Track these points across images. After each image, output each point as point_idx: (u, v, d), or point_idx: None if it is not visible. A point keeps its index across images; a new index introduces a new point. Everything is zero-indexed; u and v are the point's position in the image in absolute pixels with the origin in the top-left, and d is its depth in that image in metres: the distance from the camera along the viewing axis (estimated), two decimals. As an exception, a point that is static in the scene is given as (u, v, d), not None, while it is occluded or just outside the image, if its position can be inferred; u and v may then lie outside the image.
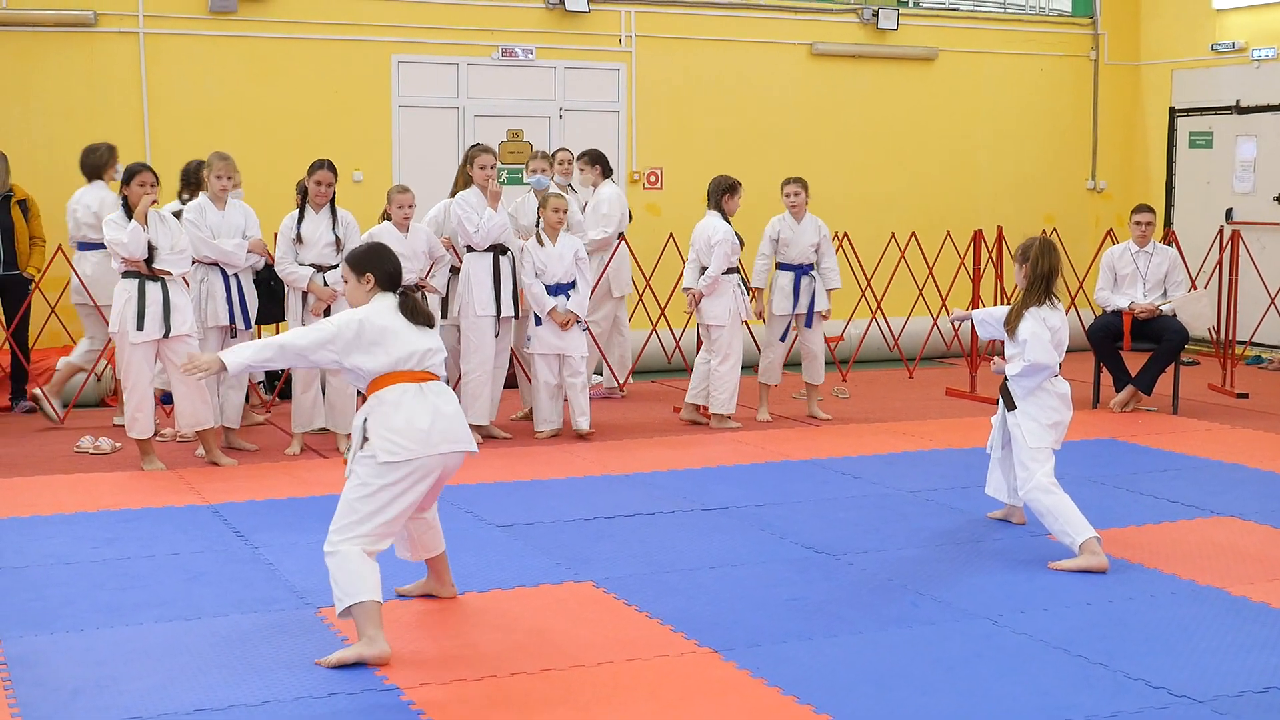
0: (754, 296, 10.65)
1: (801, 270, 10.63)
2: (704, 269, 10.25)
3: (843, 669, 5.32)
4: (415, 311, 5.78)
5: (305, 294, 9.29)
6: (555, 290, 9.77)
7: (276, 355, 5.68)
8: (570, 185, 11.30)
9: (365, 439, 5.59)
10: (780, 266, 10.70)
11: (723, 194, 10.31)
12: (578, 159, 11.41)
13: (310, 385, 9.39)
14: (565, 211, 9.81)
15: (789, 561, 6.80)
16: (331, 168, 9.37)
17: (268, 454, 9.40)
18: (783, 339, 10.72)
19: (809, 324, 10.69)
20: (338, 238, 9.26)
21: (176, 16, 12.24)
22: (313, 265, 9.25)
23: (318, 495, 8.12)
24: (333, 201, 9.38)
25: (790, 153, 14.07)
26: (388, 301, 5.78)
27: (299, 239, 9.29)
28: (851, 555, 6.91)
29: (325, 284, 9.20)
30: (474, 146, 9.93)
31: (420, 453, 5.56)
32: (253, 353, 5.67)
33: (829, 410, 11.07)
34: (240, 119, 12.39)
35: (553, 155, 11.10)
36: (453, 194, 10.14)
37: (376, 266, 5.82)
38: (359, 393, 6.21)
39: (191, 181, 10.10)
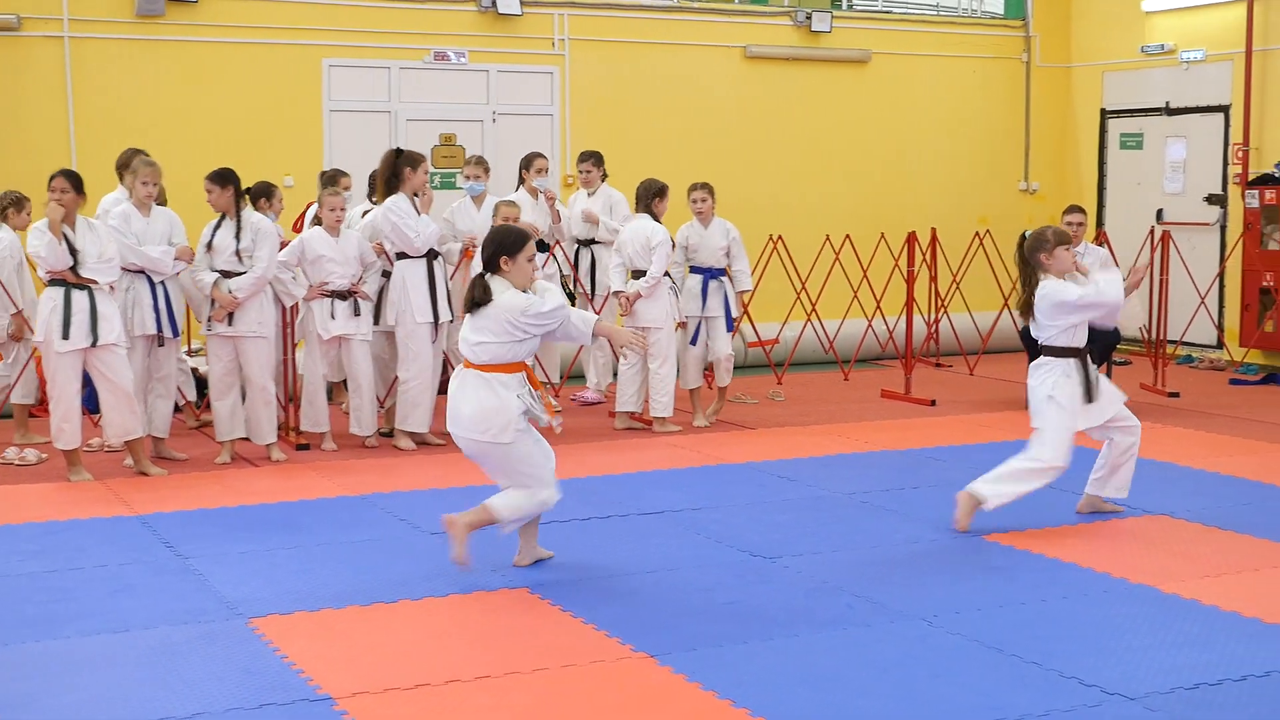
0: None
1: (710, 274, 10.66)
2: (636, 272, 10.26)
3: (779, 672, 5.34)
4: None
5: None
6: None
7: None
8: (589, 192, 11.38)
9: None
10: (692, 270, 10.74)
11: (653, 197, 10.34)
12: (585, 160, 11.41)
13: (227, 393, 9.31)
14: (516, 220, 9.73)
15: (725, 565, 6.82)
16: (211, 177, 9.22)
17: (197, 464, 9.32)
18: (694, 342, 10.75)
19: (729, 328, 10.72)
20: (238, 249, 9.15)
21: (102, 20, 12.13)
22: (220, 272, 9.17)
23: (249, 504, 8.08)
24: (238, 208, 9.24)
25: (724, 155, 14.12)
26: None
27: (210, 246, 9.21)
28: (787, 558, 6.93)
29: (229, 292, 9.12)
30: (407, 153, 9.82)
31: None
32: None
33: (763, 413, 11.10)
34: (168, 124, 12.29)
35: (530, 162, 11.11)
36: (374, 199, 10.01)
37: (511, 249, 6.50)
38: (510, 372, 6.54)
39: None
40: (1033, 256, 7.56)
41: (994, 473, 7.47)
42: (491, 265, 6.50)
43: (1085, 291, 7.37)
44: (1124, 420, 7.62)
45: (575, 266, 11.64)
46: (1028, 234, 7.68)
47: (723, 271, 10.75)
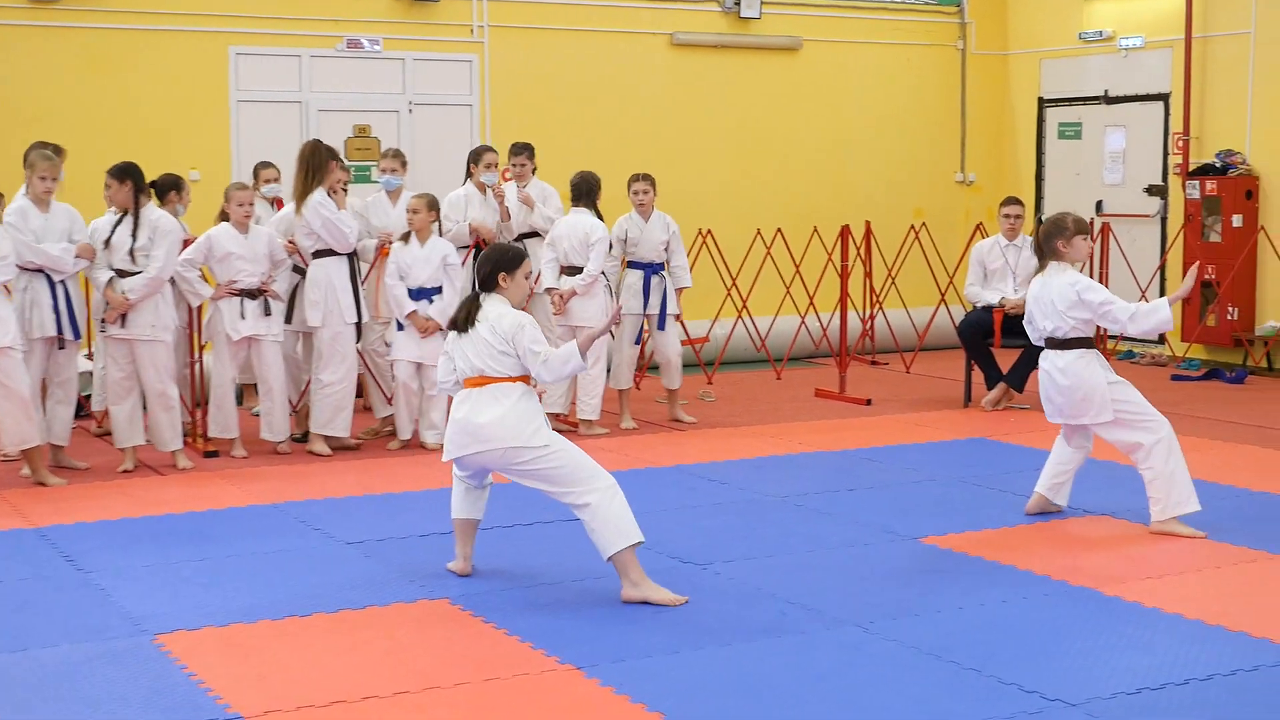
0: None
1: (651, 269, 10.68)
2: (569, 268, 10.24)
3: (710, 682, 5.35)
4: None
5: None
6: (419, 294, 9.68)
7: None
8: (521, 186, 11.25)
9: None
10: (630, 265, 10.74)
11: (597, 191, 10.36)
12: (520, 153, 11.31)
13: (125, 398, 9.20)
14: (418, 211, 9.68)
15: (653, 572, 6.79)
16: (111, 172, 9.14)
17: (99, 473, 9.21)
18: (636, 341, 10.76)
19: (661, 326, 10.74)
20: (132, 247, 9.06)
21: (-5, 6, 11.97)
22: (118, 271, 9.08)
23: (154, 515, 8.00)
24: (137, 205, 9.13)
25: (651, 146, 14.13)
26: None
27: (107, 243, 9.10)
28: (719, 564, 6.95)
29: (122, 292, 9.02)
30: (324, 149, 9.77)
31: (455, 452, 6.62)
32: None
33: (693, 413, 11.12)
34: (67, 115, 12.12)
35: (478, 156, 11.02)
36: (298, 196, 9.91)
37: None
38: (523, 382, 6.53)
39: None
40: (1049, 243, 7.62)
41: (1154, 492, 7.53)
42: (489, 283, 6.52)
43: (1129, 310, 7.49)
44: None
45: None
46: (1044, 218, 7.78)
47: (661, 266, 10.77)
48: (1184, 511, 7.47)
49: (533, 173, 11.40)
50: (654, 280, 10.69)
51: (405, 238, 9.73)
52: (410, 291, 9.65)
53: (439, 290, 9.68)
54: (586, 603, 6.35)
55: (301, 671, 5.49)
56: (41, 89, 12.14)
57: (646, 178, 10.75)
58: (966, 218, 15.68)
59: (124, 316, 9.08)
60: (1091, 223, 13.17)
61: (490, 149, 11.16)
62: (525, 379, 6.48)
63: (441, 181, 13.04)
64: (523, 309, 6.58)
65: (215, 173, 12.47)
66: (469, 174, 11.18)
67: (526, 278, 6.59)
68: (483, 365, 6.41)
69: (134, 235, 9.04)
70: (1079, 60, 15.34)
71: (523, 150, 11.37)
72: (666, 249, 10.76)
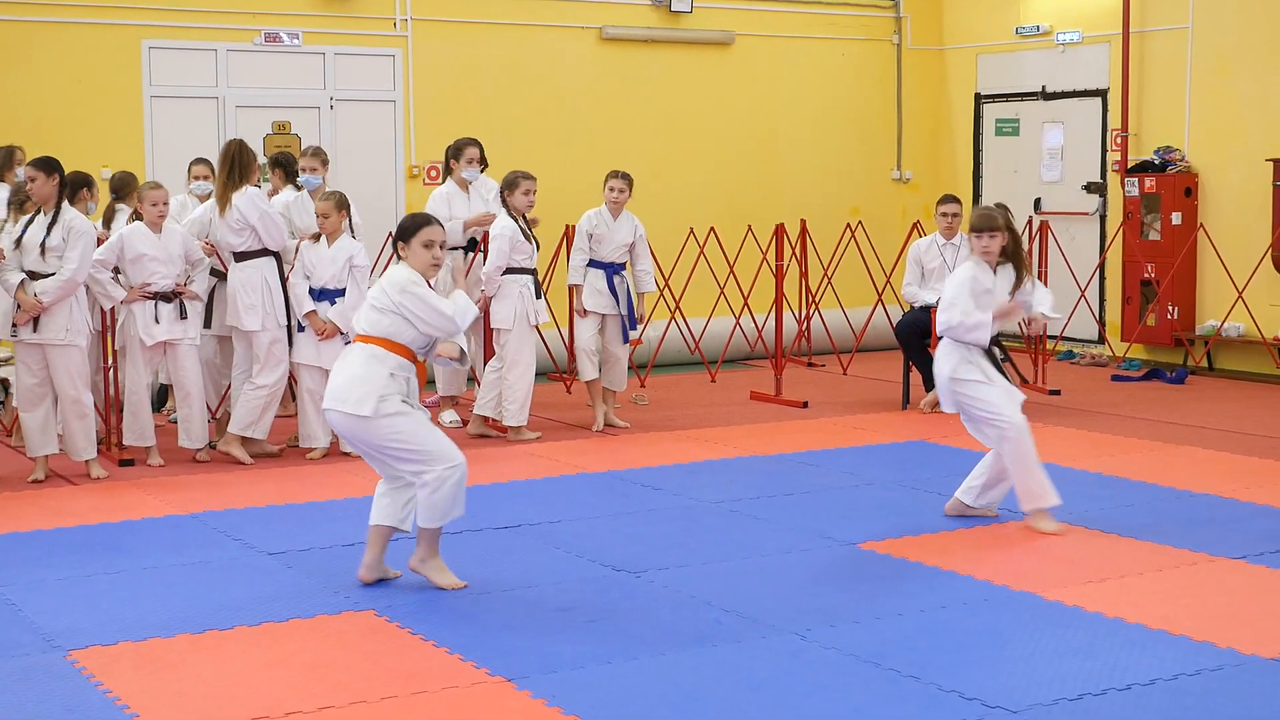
0: (575, 293, 10.83)
1: (612, 269, 10.71)
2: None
3: (645, 693, 5.36)
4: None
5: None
6: (320, 295, 9.64)
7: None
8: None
9: None
10: (592, 264, 10.75)
11: (503, 190, 10.33)
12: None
13: (37, 405, 9.08)
14: (324, 215, 9.58)
15: (586, 581, 6.83)
16: (34, 164, 9.03)
17: (8, 482, 9.11)
18: (625, 340, 10.84)
19: (632, 326, 10.79)
20: (44, 244, 8.96)
21: (-104, -2, 11.83)
22: (28, 272, 8.98)
23: (66, 526, 7.92)
24: (59, 205, 9.04)
25: (581, 143, 14.14)
26: None
27: (18, 243, 9.00)
28: (652, 572, 6.96)
29: (34, 295, 8.92)
30: (249, 148, 9.79)
31: None
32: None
33: (626, 417, 11.14)
34: (-31, 110, 12.01)
35: (459, 151, 11.00)
36: (221, 194, 9.78)
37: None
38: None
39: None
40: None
41: (1016, 488, 7.75)
42: (396, 251, 6.79)
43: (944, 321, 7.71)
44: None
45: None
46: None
47: (622, 267, 10.78)
48: (1041, 505, 7.63)
49: (481, 169, 11.31)
50: (617, 280, 10.73)
51: (316, 237, 9.69)
52: (312, 291, 9.61)
53: (342, 293, 9.64)
54: (517, 613, 6.35)
55: (222, 687, 5.46)
56: (-55, 84, 12.01)
57: (624, 176, 10.80)
58: (903, 216, 15.79)
59: (36, 320, 8.98)
60: (1030, 221, 13.32)
61: (472, 142, 11.07)
62: (383, 341, 6.57)
63: (364, 180, 13.03)
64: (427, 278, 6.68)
65: (128, 170, 12.34)
66: (449, 170, 11.16)
67: (426, 247, 6.63)
68: (357, 322, 6.72)
69: (49, 232, 8.92)
70: (1016, 55, 15.48)
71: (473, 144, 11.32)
72: (631, 250, 10.80)
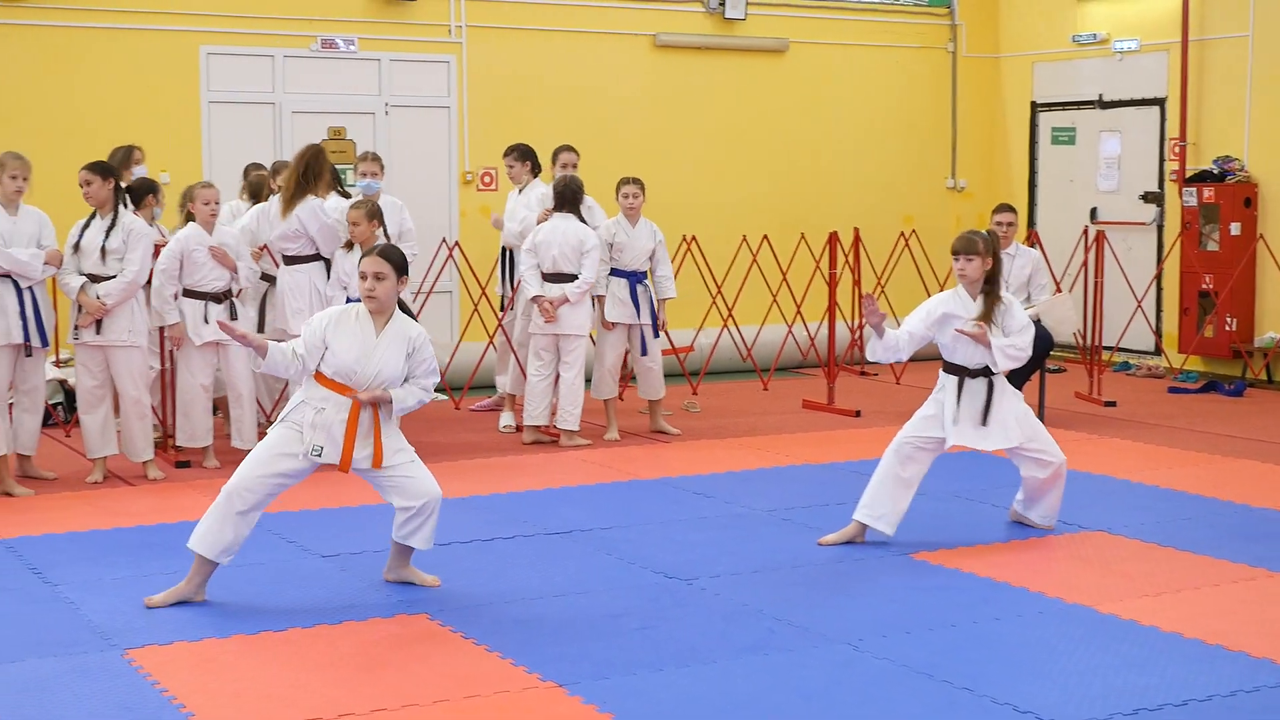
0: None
1: (634, 277, 10.70)
2: (554, 275, 10.21)
3: (696, 701, 5.36)
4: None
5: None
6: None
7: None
8: (519, 189, 11.29)
9: None
10: (614, 273, 10.75)
11: (580, 197, 10.37)
12: (506, 154, 11.33)
13: (97, 407, 9.17)
14: (356, 223, 9.57)
15: (637, 588, 6.84)
16: (90, 168, 9.12)
17: (67, 483, 9.20)
18: (644, 352, 10.79)
19: (655, 334, 10.77)
20: (104, 248, 9.06)
21: (-42, 2, 11.97)
22: (88, 275, 9.07)
23: (124, 527, 7.99)
24: (117, 207, 9.15)
25: (633, 151, 14.16)
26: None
27: (76, 247, 9.10)
28: (704, 580, 6.97)
29: (98, 297, 9.02)
30: (326, 155, 9.91)
31: None
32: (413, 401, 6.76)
33: (678, 425, 11.15)
34: (31, 115, 12.13)
35: (555, 156, 11.09)
36: (289, 198, 9.85)
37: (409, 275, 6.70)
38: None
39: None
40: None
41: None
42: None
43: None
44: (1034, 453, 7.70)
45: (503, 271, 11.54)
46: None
47: (645, 275, 10.79)
48: (867, 522, 7.63)
49: (532, 174, 11.34)
50: (639, 289, 10.71)
51: (349, 245, 9.69)
52: (349, 301, 9.62)
53: None
54: (568, 619, 6.36)
55: (276, 688, 5.50)
56: (7, 88, 12.15)
57: (636, 181, 10.77)
58: (957, 224, 15.73)
59: (99, 322, 9.07)
60: (1086, 230, 13.26)
61: (569, 148, 11.10)
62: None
63: (418, 185, 13.10)
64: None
65: (186, 175, 12.43)
66: (532, 172, 11.26)
67: (401, 284, 6.63)
68: None
69: (108, 235, 9.02)
70: (1072, 64, 15.41)
71: (512, 152, 11.36)
72: (652, 257, 10.79)
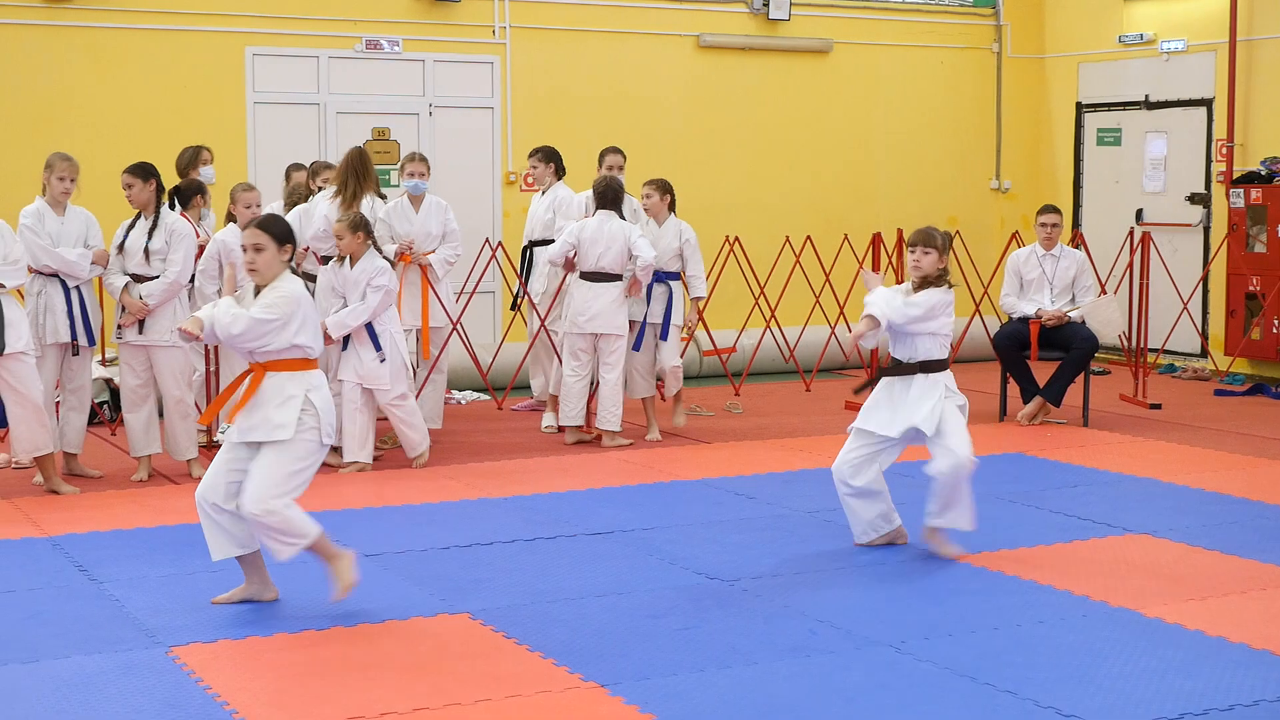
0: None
1: (658, 276, 10.68)
2: (596, 274, 10.23)
3: (737, 702, 5.35)
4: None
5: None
6: None
7: (247, 329, 6.22)
8: (541, 190, 11.43)
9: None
10: None
11: (622, 196, 10.40)
12: (532, 155, 11.40)
13: (141, 405, 9.23)
14: (341, 238, 9.44)
15: (679, 589, 6.83)
16: (132, 170, 9.17)
17: (112, 481, 9.27)
18: (637, 348, 10.75)
19: (664, 336, 10.74)
20: (147, 248, 9.12)
21: (8, 4, 12.05)
22: (133, 275, 9.13)
23: (168, 524, 8.04)
24: (158, 206, 9.21)
25: (677, 151, 14.16)
26: (299, 282, 6.40)
27: (121, 248, 9.16)
28: (746, 581, 6.96)
29: (140, 298, 9.07)
30: (369, 157, 9.96)
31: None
32: (229, 320, 6.21)
33: (720, 425, 11.15)
34: (79, 116, 12.22)
35: (601, 159, 11.14)
36: (346, 200, 9.89)
37: (295, 243, 6.51)
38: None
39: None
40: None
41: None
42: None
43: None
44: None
45: (522, 271, 11.57)
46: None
47: (673, 275, 10.79)
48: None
49: (556, 176, 11.41)
50: (657, 289, 10.70)
51: (340, 259, 9.52)
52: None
53: None
54: (610, 619, 6.36)
55: (318, 686, 5.52)
56: (53, 89, 12.23)
57: (653, 182, 10.83)
58: (1002, 226, 15.68)
59: (141, 322, 9.14)
60: (1131, 232, 13.18)
61: (615, 150, 11.12)
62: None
63: (461, 186, 13.12)
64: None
65: (231, 175, 12.51)
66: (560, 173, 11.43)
67: (283, 252, 6.41)
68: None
69: (150, 235, 9.08)
70: (1118, 64, 15.32)
71: (536, 153, 11.42)
72: (680, 257, 10.79)
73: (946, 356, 7.45)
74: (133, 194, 9.14)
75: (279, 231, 6.38)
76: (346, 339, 9.49)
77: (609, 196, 10.35)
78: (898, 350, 7.45)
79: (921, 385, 7.37)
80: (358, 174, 9.76)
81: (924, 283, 7.40)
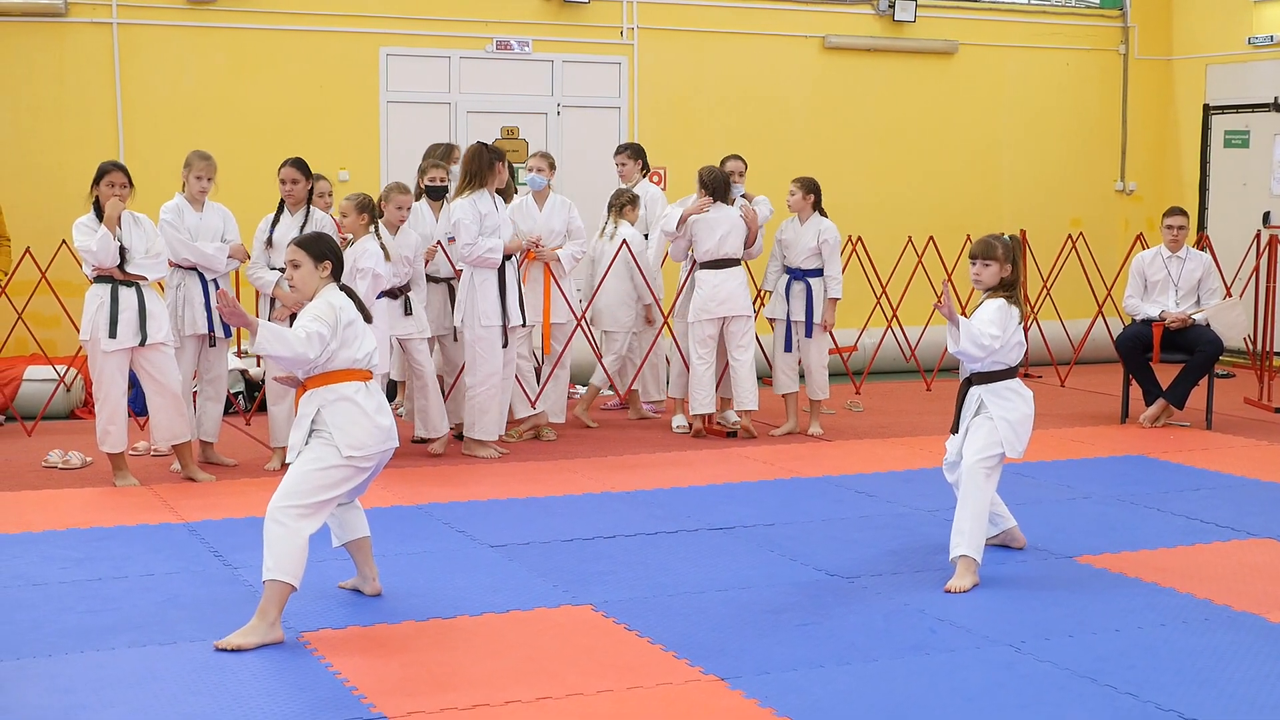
0: (763, 299, 11.02)
1: (795, 274, 10.65)
2: (717, 262, 10.29)
3: (856, 699, 5.32)
4: (362, 308, 6.30)
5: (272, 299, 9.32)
6: None
7: (284, 351, 6.03)
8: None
9: (314, 429, 6.10)
10: (785, 270, 10.77)
11: (725, 185, 10.40)
12: (618, 153, 11.44)
13: (284, 397, 9.35)
14: (345, 215, 9.41)
15: (799, 584, 6.80)
16: (297, 165, 9.33)
17: (247, 469, 9.41)
18: (787, 349, 10.75)
19: (808, 334, 10.70)
20: None
21: (152, 6, 12.28)
22: (280, 270, 9.25)
23: (300, 513, 8.12)
24: (309, 203, 9.36)
25: (801, 152, 14.10)
26: (341, 295, 6.22)
27: (269, 242, 9.30)
28: (866, 578, 6.91)
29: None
30: (489, 151, 9.87)
31: (378, 449, 6.14)
32: (273, 336, 6.00)
33: (842, 424, 11.09)
34: (219, 115, 12.43)
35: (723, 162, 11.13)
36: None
37: (334, 255, 6.28)
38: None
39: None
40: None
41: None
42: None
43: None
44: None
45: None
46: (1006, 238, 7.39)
47: (814, 273, 10.71)
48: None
49: (642, 174, 11.40)
50: (795, 287, 10.67)
51: (344, 240, 9.59)
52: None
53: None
54: (731, 613, 6.35)
55: (444, 673, 5.56)
56: (193, 89, 12.45)
57: (797, 180, 10.77)
58: (1126, 227, 15.44)
59: (293, 316, 9.21)
60: (1258, 235, 12.92)
61: (735, 157, 10.98)
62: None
63: (589, 185, 13.16)
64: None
65: (364, 173, 12.69)
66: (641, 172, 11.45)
67: (320, 268, 6.28)
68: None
69: (302, 230, 9.17)
70: (1247, 66, 15.03)
71: (624, 150, 11.42)
72: (818, 255, 10.73)
73: (996, 369, 7.24)
74: (297, 189, 9.28)
75: (316, 250, 6.25)
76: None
77: (717, 187, 10.36)
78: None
79: (972, 395, 7.32)
80: (469, 171, 9.74)
81: (1003, 290, 7.26)
